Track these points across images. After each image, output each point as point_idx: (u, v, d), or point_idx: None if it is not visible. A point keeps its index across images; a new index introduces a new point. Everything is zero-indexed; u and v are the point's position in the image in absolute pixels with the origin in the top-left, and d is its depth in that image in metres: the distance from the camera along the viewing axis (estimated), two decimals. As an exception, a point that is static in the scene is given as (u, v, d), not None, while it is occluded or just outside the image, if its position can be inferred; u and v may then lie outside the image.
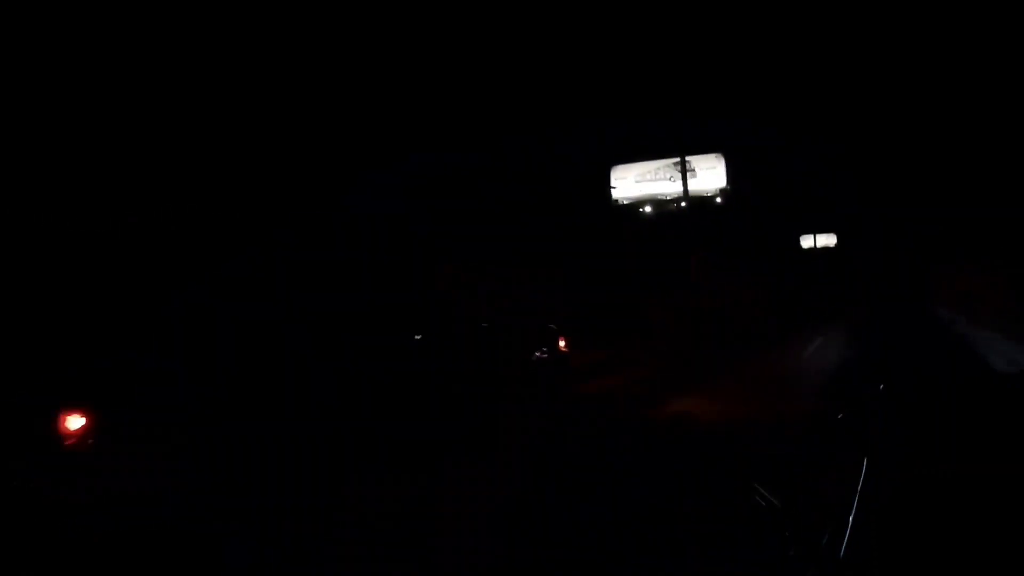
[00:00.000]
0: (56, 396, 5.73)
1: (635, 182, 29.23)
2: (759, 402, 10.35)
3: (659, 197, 28.79)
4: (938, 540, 1.98)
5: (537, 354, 10.55)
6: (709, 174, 27.97)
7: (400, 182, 18.17)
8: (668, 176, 28.01)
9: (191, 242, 12.72)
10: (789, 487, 3.32)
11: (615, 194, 29.15)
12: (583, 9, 25.83)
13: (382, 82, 18.59)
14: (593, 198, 28.32)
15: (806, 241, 49.41)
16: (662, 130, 28.17)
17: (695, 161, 27.54)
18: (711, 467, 6.62)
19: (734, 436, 8.14)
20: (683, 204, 27.45)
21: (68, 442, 5.54)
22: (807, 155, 43.82)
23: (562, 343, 11.49)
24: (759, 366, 14.72)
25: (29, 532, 5.28)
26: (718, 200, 28.07)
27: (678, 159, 27.18)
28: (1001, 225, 31.24)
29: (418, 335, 8.92)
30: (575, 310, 19.64)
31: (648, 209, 29.02)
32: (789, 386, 11.69)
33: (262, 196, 14.62)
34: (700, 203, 27.78)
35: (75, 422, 5.60)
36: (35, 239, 10.95)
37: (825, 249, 50.11)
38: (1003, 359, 12.92)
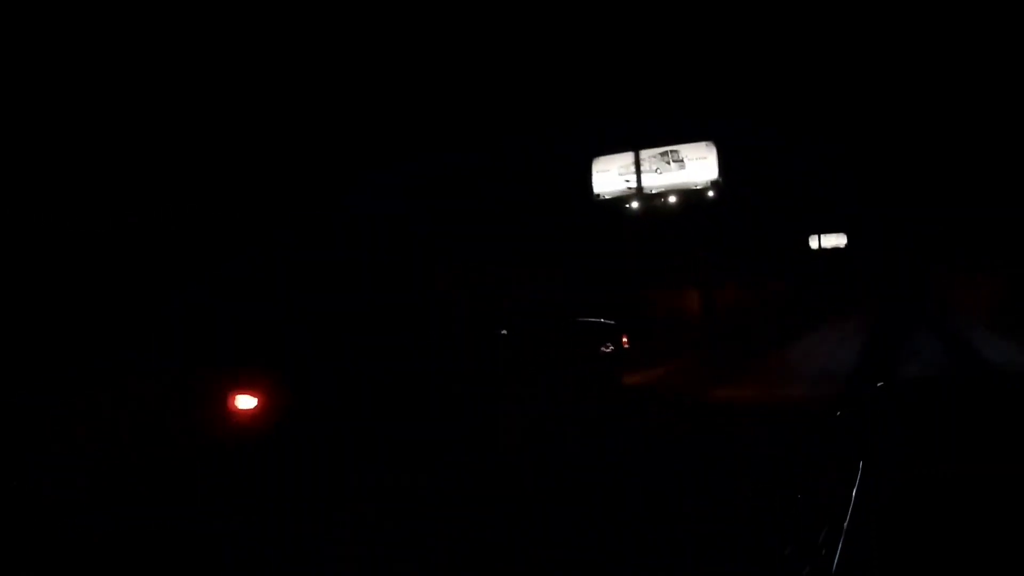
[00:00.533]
0: (229, 374, 5.99)
1: (618, 175, 26.58)
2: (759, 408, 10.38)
3: (644, 191, 26.29)
4: (938, 540, 1.98)
5: (603, 349, 12.00)
6: (699, 165, 25.44)
7: (400, 182, 18.17)
8: (655, 168, 25.73)
9: (191, 242, 12.71)
10: (788, 486, 3.32)
11: (597, 188, 26.88)
12: (588, 5, 25.84)
13: (382, 83, 18.60)
14: (590, 197, 27.94)
15: (815, 241, 48.78)
16: (655, 123, 26.81)
17: (684, 151, 25.62)
18: (711, 467, 6.62)
19: (734, 437, 8.16)
20: (671, 199, 25.86)
21: (237, 420, 5.79)
22: (808, 155, 43.86)
23: (624, 339, 12.81)
24: (757, 372, 14.72)
25: (29, 532, 5.28)
26: (711, 194, 25.64)
27: (666, 148, 25.64)
28: (1002, 225, 31.26)
29: (503, 330, 9.76)
30: (576, 310, 19.61)
31: (635, 204, 26.74)
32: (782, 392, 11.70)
33: (262, 196, 14.61)
34: (692, 197, 26.07)
35: (247, 402, 5.83)
36: (36, 239, 10.93)
37: (831, 250, 49.51)
38: (1002, 358, 12.93)
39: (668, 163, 25.69)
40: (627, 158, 26.37)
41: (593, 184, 26.86)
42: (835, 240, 49.69)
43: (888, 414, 2.95)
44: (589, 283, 22.73)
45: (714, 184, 25.27)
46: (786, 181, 40.51)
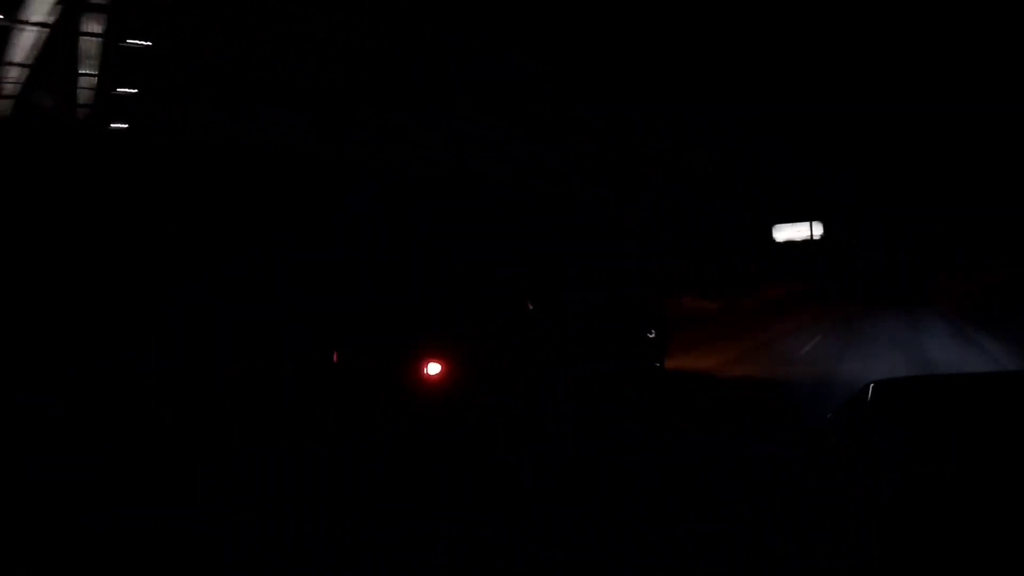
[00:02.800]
0: (420, 350, 8.23)
1: None
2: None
3: None
4: (938, 540, 1.98)
5: (648, 335, 12.75)
6: None
7: (400, 181, 18.17)
8: None
9: (191, 242, 12.71)
10: (789, 486, 3.32)
11: None
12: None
13: (382, 81, 18.61)
14: (590, 196, 27.65)
15: (779, 233, 46.60)
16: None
17: None
18: (711, 467, 6.62)
19: (733, 436, 8.15)
20: None
21: (429, 379, 8.05)
22: (807, 154, 43.86)
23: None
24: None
25: (29, 532, 5.28)
26: None
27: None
28: (1002, 225, 31.29)
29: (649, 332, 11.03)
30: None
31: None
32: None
33: (259, 196, 14.61)
34: None
35: (434, 368, 8.06)
36: (38, 240, 10.93)
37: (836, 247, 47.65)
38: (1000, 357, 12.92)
39: None
40: None
41: None
42: (820, 228, 47.08)
43: (888, 414, 2.95)
44: (589, 285, 22.19)
45: None
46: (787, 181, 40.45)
